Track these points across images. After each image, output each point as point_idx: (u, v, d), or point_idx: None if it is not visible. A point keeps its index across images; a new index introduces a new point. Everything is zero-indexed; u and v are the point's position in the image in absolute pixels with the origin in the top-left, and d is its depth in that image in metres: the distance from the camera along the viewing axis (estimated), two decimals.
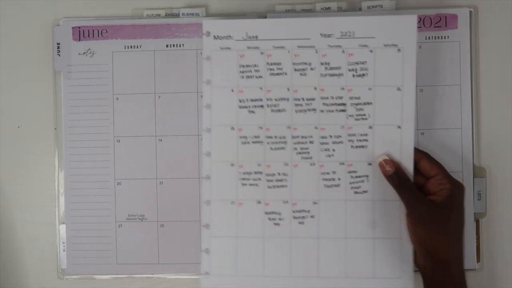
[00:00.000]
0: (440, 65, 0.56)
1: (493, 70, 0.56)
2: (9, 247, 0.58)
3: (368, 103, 0.52)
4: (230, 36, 0.53)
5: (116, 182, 0.57)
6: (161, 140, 0.56)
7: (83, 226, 0.57)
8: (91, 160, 0.57)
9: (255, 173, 0.53)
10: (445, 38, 0.56)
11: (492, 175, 0.56)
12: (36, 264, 0.58)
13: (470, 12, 0.56)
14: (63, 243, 0.57)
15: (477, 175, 0.56)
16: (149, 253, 0.56)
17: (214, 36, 0.53)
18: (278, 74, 0.53)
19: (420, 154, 0.52)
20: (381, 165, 0.52)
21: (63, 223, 0.57)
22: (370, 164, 0.53)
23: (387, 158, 0.52)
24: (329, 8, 0.57)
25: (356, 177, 0.53)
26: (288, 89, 0.53)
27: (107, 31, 0.57)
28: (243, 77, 0.53)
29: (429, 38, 0.56)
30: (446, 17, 0.56)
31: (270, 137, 0.53)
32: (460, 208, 0.51)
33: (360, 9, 0.57)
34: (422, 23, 0.56)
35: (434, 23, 0.56)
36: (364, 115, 0.53)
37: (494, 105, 0.56)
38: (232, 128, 0.53)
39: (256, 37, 0.53)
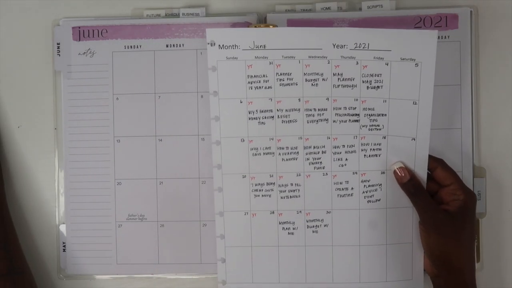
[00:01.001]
0: (440, 65, 0.55)
1: (493, 70, 0.56)
2: None
3: (382, 115, 0.52)
4: (237, 46, 0.51)
5: (116, 182, 0.57)
6: (161, 140, 0.56)
7: (83, 226, 0.57)
8: (91, 160, 0.57)
9: (268, 184, 0.53)
10: (445, 38, 0.56)
11: (492, 175, 0.56)
12: (36, 264, 0.58)
13: (471, 12, 0.56)
14: (63, 243, 0.57)
15: (477, 175, 0.56)
16: (149, 253, 0.56)
17: (219, 46, 0.51)
18: (288, 84, 0.52)
19: (435, 163, 0.52)
20: (395, 173, 0.52)
21: (63, 223, 0.57)
22: (383, 172, 0.53)
23: (402, 166, 0.52)
24: (329, 8, 0.57)
25: (369, 186, 0.53)
26: (299, 100, 0.52)
27: (107, 31, 0.57)
28: (251, 87, 0.52)
29: None
30: (446, 17, 0.56)
31: (282, 148, 0.53)
32: (472, 218, 0.51)
33: (360, 9, 0.56)
34: (423, 23, 0.56)
35: (434, 23, 0.56)
36: (378, 125, 0.52)
37: (494, 105, 0.56)
38: (242, 140, 0.53)
39: (264, 46, 0.51)
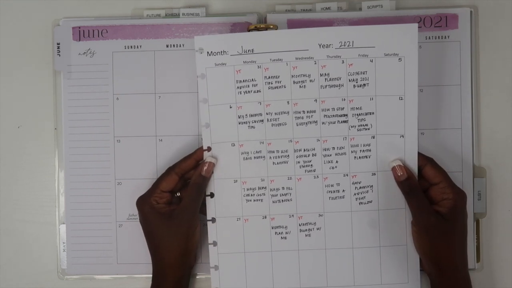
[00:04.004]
0: (440, 65, 0.56)
1: (493, 70, 0.56)
2: (9, 247, 0.58)
3: (370, 113, 0.52)
4: (225, 51, 0.52)
5: (116, 182, 0.57)
6: (161, 140, 0.56)
7: (83, 226, 0.57)
8: (91, 160, 0.57)
9: (259, 188, 0.53)
10: (445, 38, 0.56)
11: (492, 175, 0.56)
12: (36, 264, 0.58)
13: (471, 12, 0.56)
14: (63, 243, 0.57)
15: (477, 175, 0.56)
16: (149, 253, 0.56)
17: (208, 53, 0.52)
18: (276, 87, 0.52)
19: (424, 160, 0.52)
20: (394, 170, 0.52)
21: (63, 223, 0.57)
22: (374, 174, 0.53)
23: (401, 164, 0.52)
24: (329, 8, 0.57)
25: (361, 187, 0.53)
26: (288, 102, 0.52)
27: (107, 31, 0.57)
28: (240, 92, 0.52)
29: (429, 38, 0.56)
30: (446, 17, 0.56)
31: (272, 151, 0.53)
32: (463, 217, 0.52)
33: (360, 9, 0.57)
34: (423, 23, 0.56)
35: (434, 23, 0.56)
36: (367, 125, 0.52)
37: (494, 105, 0.56)
38: (233, 145, 0.53)
39: (252, 50, 0.52)
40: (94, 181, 0.57)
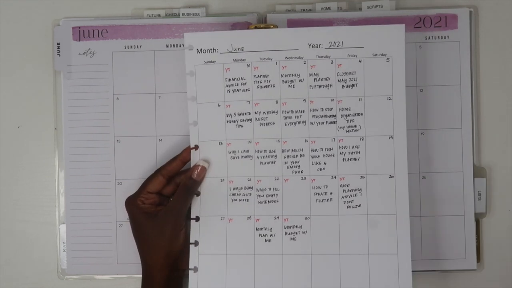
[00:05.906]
0: (440, 65, 0.56)
1: (493, 70, 0.56)
2: (9, 247, 0.58)
3: (359, 114, 0.52)
4: (215, 49, 0.52)
5: (116, 182, 0.57)
6: (161, 140, 0.56)
7: (83, 226, 0.57)
8: (91, 160, 0.57)
9: (245, 188, 0.53)
10: (445, 38, 0.56)
11: (492, 175, 0.56)
12: (36, 264, 0.58)
13: (470, 12, 0.56)
14: (63, 243, 0.57)
15: (477, 175, 0.56)
16: None
17: (197, 50, 0.52)
18: (265, 86, 0.52)
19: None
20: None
21: (63, 223, 0.57)
22: (362, 177, 0.52)
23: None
24: (329, 8, 0.57)
25: (349, 191, 0.52)
26: (277, 102, 0.52)
27: (107, 31, 0.57)
28: (229, 91, 0.52)
29: (429, 38, 0.56)
30: (446, 17, 0.56)
31: (260, 151, 0.52)
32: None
33: (360, 9, 0.57)
34: (422, 23, 0.56)
35: (434, 23, 0.56)
36: (355, 126, 0.52)
37: (494, 105, 0.56)
38: (221, 143, 0.52)
39: (242, 49, 0.52)
40: (94, 181, 0.57)
